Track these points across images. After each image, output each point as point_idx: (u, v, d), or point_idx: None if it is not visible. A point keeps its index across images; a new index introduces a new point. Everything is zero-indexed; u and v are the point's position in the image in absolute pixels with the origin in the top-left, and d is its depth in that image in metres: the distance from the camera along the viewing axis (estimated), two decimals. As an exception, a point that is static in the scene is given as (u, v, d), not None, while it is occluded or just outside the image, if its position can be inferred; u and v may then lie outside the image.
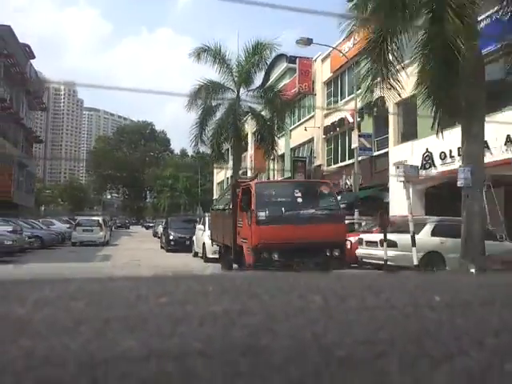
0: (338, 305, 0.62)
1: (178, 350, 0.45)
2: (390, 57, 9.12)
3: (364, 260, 10.63)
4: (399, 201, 13.11)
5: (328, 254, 8.20)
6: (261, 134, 22.51)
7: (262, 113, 22.79)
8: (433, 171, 15.41)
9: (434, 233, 9.92)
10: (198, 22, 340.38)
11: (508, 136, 12.39)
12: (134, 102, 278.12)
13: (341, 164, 22.72)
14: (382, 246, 9.53)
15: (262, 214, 8.24)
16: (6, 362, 0.43)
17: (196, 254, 15.61)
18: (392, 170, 15.56)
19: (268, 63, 23.68)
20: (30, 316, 0.52)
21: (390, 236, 9.65)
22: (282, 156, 28.73)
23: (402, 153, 16.83)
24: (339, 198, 11.07)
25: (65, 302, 0.59)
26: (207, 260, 13.45)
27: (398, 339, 0.50)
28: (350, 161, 20.25)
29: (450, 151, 14.30)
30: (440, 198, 14.91)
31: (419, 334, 0.51)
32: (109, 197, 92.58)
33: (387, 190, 16.97)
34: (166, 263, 13.44)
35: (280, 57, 28.98)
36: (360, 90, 13.69)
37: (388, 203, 16.83)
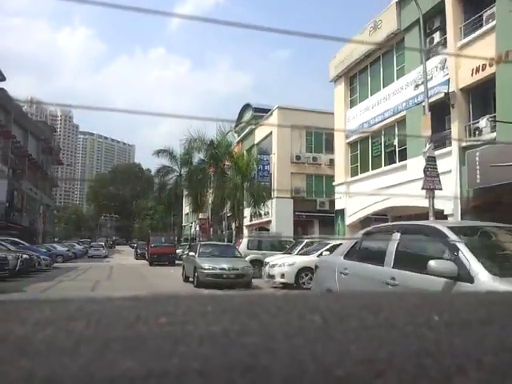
0: (337, 324, 0.61)
1: (178, 370, 0.45)
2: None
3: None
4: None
5: (170, 255, 28.40)
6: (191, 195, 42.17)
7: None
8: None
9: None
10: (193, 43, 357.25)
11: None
12: (127, 121, 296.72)
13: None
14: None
15: (152, 244, 29.04)
16: (6, 383, 0.43)
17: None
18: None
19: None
20: (30, 336, 0.52)
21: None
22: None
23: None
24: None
25: (65, 323, 0.58)
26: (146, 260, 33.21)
27: (397, 358, 0.50)
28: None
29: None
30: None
31: (418, 354, 0.51)
32: (102, 217, 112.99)
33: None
34: (134, 262, 33.77)
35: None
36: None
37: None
